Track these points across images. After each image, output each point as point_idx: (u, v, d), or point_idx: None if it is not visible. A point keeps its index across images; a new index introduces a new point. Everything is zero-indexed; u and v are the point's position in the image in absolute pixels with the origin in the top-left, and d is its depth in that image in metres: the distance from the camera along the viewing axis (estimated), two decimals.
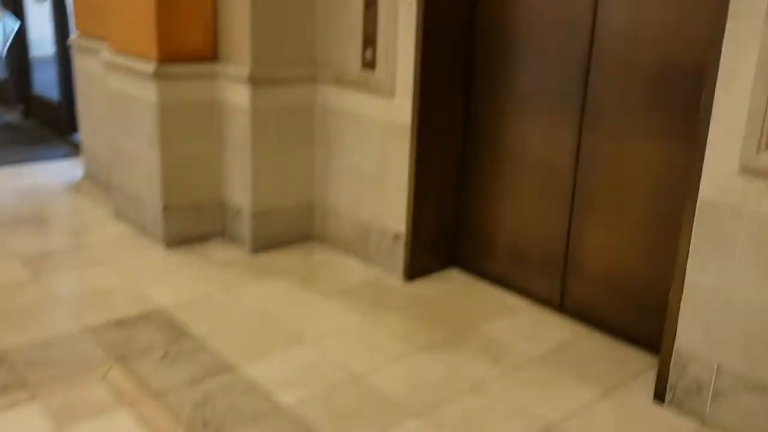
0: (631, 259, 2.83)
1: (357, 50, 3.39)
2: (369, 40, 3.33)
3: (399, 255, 3.37)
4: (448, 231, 3.46)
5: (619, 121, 2.77)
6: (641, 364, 2.68)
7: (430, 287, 3.32)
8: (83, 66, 4.58)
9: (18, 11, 6.41)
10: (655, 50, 2.62)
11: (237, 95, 3.48)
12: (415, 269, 3.36)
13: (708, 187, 2.26)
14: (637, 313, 2.81)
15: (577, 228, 2.99)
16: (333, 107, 3.57)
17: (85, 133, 4.77)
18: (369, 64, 3.35)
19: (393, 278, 3.37)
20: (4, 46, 6.11)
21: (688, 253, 2.34)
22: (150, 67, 3.37)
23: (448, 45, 3.19)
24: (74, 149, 5.30)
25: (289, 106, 3.56)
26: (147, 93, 3.46)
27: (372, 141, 3.41)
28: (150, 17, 3.34)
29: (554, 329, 2.95)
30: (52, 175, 4.81)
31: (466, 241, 3.45)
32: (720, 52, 2.17)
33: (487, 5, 3.16)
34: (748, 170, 2.15)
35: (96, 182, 4.61)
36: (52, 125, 6.04)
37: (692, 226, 2.32)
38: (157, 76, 3.36)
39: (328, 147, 3.64)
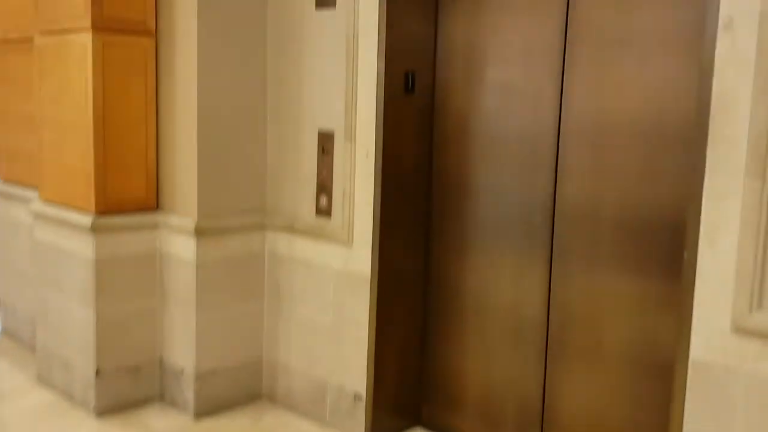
0: (614, 413, 2.65)
1: (311, 197, 3.25)
2: (324, 187, 3.20)
3: (359, 417, 3.09)
4: (412, 388, 3.22)
5: (591, 265, 2.68)
6: None
7: None
8: (5, 214, 4.26)
9: None
10: (625, 198, 2.58)
11: (181, 247, 3.25)
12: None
13: (700, 347, 2.15)
14: None
15: (552, 380, 2.81)
16: (285, 256, 3.38)
17: (4, 286, 4.37)
18: (324, 211, 3.21)
19: None
20: None
21: (682, 418, 2.18)
22: (86, 219, 3.12)
23: (407, 193, 3.09)
24: None
25: (238, 256, 3.35)
26: (82, 247, 3.19)
27: (327, 292, 3.21)
28: (88, 167, 3.12)
29: None
30: None
31: (433, 398, 3.21)
32: (700, 206, 2.12)
33: (443, 152, 3.10)
34: (742, 330, 2.05)
35: (16, 341, 4.18)
36: None
37: (685, 389, 2.18)
38: (95, 229, 3.11)
39: (278, 299, 3.41)
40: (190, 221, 3.18)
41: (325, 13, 3.10)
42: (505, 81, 2.88)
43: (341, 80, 3.05)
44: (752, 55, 1.97)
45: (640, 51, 2.48)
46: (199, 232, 3.17)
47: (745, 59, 1.99)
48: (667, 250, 2.46)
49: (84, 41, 3.09)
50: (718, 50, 2.03)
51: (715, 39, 2.03)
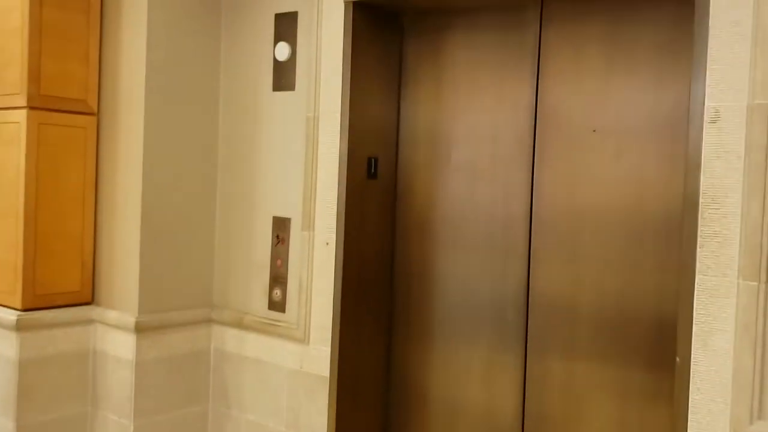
0: None
1: (263, 289, 3.02)
2: (278, 278, 2.97)
3: None
4: None
5: (569, 360, 2.50)
6: None
7: None
8: None
9: None
10: (604, 290, 2.44)
11: (118, 345, 2.94)
12: None
13: None
14: None
15: None
16: (233, 354, 3.10)
17: None
18: (277, 305, 2.97)
19: None
20: None
21: None
22: (11, 316, 2.80)
23: (369, 285, 2.88)
24: None
25: (181, 354, 3.05)
26: (4, 347, 2.85)
27: (280, 395, 2.93)
28: (16, 258, 2.82)
29: None
30: None
31: None
32: (692, 307, 1.98)
33: (406, 241, 2.92)
34: None
35: None
36: None
37: None
38: (20, 327, 2.79)
39: (226, 402, 3.11)
40: (129, 316, 2.89)
41: (283, 95, 2.95)
42: (472, 168, 2.75)
43: (299, 165, 2.88)
44: (741, 148, 1.89)
45: (616, 142, 2.40)
46: (140, 329, 2.88)
47: (733, 153, 1.90)
48: (650, 346, 2.32)
49: (18, 120, 2.84)
50: (705, 144, 1.94)
51: (702, 132, 1.95)
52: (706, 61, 1.94)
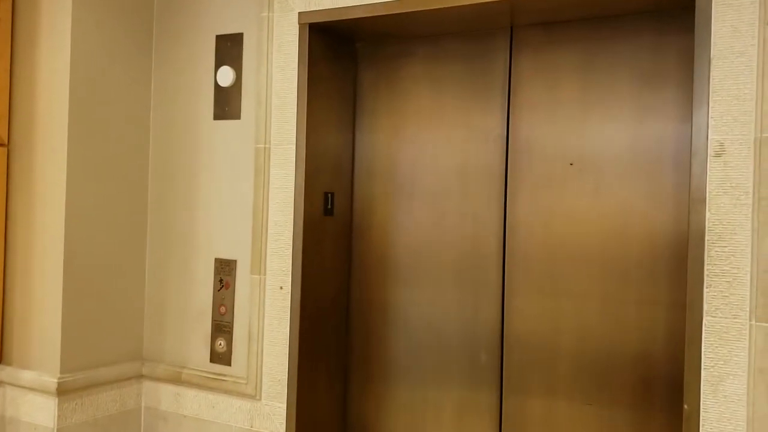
0: None
1: (204, 340, 2.70)
2: (222, 327, 2.67)
3: None
4: None
5: (547, 410, 2.35)
6: None
7: None
8: None
9: None
10: (585, 330, 2.31)
11: (35, 410, 2.54)
12: None
13: None
14: None
15: None
16: (169, 413, 2.75)
17: None
18: (222, 357, 2.66)
19: None
20: None
21: None
22: None
23: (326, 331, 2.63)
24: None
25: (108, 415, 2.67)
26: None
27: None
28: None
29: None
30: None
31: None
32: (700, 351, 1.87)
33: (364, 281, 2.70)
34: None
35: None
36: None
37: None
38: None
39: None
40: (49, 377, 2.50)
41: (227, 124, 2.67)
42: (438, 202, 2.57)
43: (247, 201, 2.61)
44: (749, 183, 1.80)
45: (595, 175, 2.29)
46: (62, 390, 2.49)
47: (740, 188, 1.81)
48: (636, 386, 2.20)
49: None
50: (709, 178, 1.85)
51: (706, 166, 1.86)
52: (708, 93, 1.85)
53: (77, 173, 2.55)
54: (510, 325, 2.43)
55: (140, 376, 2.80)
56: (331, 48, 2.61)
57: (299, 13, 2.49)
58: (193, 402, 2.70)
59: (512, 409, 2.42)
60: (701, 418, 1.86)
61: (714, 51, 1.85)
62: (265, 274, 2.55)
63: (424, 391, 2.58)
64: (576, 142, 2.33)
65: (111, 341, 2.70)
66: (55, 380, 2.48)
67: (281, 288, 2.52)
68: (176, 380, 2.73)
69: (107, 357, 2.69)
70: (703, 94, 1.86)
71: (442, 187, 2.56)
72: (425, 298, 2.59)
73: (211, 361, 2.69)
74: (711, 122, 1.85)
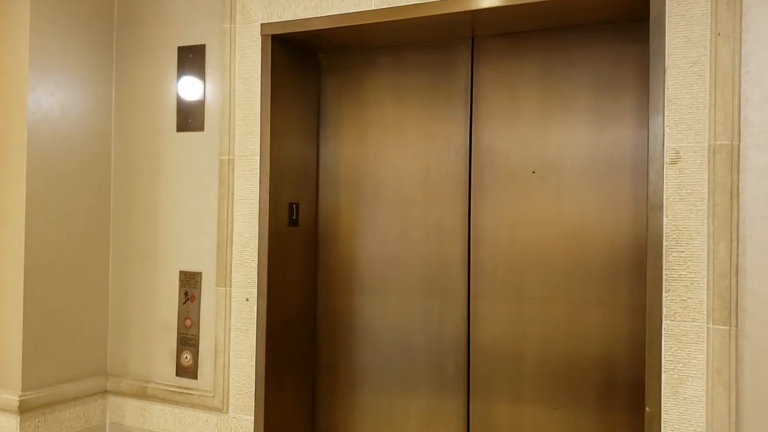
0: None
1: (169, 354, 2.68)
2: (187, 341, 2.65)
3: None
4: None
5: (514, 415, 2.37)
6: None
7: None
8: None
9: None
10: (550, 335, 2.34)
11: None
12: None
13: None
14: None
15: None
16: (133, 428, 2.71)
17: None
18: (188, 370, 2.64)
19: None
20: None
21: None
22: None
23: (292, 342, 2.63)
24: None
25: None
26: None
27: None
28: None
29: None
30: None
31: None
32: (660, 354, 1.91)
33: (330, 292, 2.71)
34: None
35: None
36: None
37: None
38: None
39: None
40: (10, 395, 2.45)
41: (190, 136, 2.66)
42: (402, 211, 2.59)
43: (211, 213, 2.60)
44: (704, 190, 1.85)
45: (556, 183, 2.33)
46: (24, 408, 2.45)
47: (696, 194, 1.86)
48: (600, 389, 2.24)
49: None
50: (666, 185, 1.90)
51: (662, 173, 1.90)
52: (663, 102, 1.90)
53: (37, 187, 2.51)
54: (476, 331, 2.45)
55: (105, 392, 2.76)
56: (294, 59, 2.62)
57: (262, 24, 2.49)
58: (159, 417, 2.67)
59: (479, 415, 2.44)
60: (662, 419, 1.90)
61: (668, 61, 1.90)
62: (230, 286, 2.54)
63: (392, 400, 2.59)
64: (538, 151, 2.37)
65: (74, 357, 2.66)
66: (17, 398, 2.44)
67: (247, 300, 2.51)
68: (142, 395, 2.70)
69: (70, 373, 2.64)
70: (658, 103, 1.91)
71: (406, 195, 2.58)
72: (391, 307, 2.60)
73: (177, 374, 2.66)
74: (667, 130, 1.89)
